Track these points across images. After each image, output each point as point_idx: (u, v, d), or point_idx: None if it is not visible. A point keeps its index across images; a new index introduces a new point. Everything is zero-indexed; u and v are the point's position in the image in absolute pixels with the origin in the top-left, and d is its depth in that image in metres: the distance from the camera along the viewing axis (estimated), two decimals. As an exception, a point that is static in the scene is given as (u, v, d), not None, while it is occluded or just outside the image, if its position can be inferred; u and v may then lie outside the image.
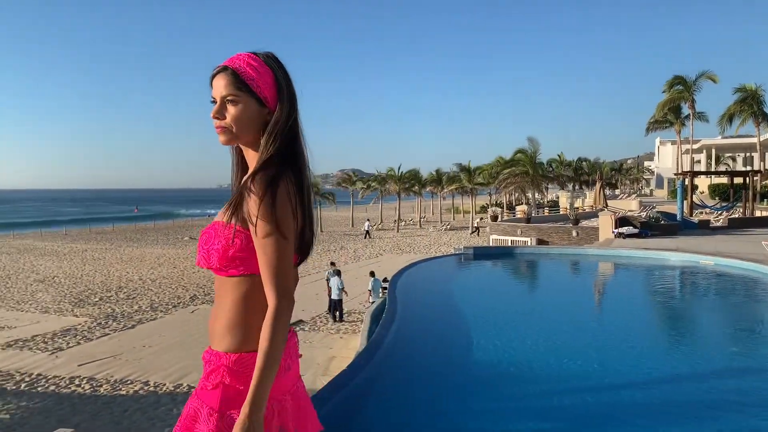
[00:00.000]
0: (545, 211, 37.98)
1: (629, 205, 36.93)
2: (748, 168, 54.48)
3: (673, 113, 51.44)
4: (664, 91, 50.73)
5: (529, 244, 22.37)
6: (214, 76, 1.68)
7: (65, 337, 12.65)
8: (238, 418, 1.45)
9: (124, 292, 18.63)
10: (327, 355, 10.81)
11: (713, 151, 57.45)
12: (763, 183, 39.70)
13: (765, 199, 37.86)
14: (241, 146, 1.76)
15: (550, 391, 5.87)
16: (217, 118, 1.65)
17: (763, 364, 7.11)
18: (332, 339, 12.02)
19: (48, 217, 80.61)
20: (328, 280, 14.39)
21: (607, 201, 27.32)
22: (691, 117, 49.85)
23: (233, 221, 1.59)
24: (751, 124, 41.00)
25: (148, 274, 22.95)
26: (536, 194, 45.48)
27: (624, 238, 19.58)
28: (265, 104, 1.66)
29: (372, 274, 14.33)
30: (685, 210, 26.83)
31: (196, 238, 40.44)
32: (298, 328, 12.97)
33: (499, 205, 51.68)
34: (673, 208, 30.63)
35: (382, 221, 48.53)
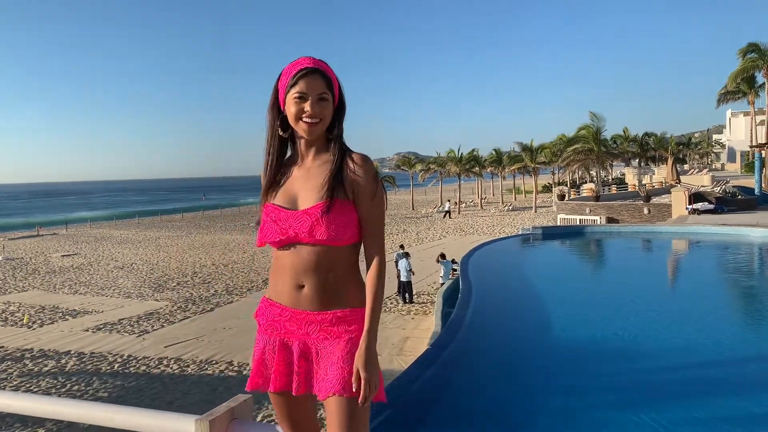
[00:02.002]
0: (612, 188, 37.00)
1: (701, 181, 35.58)
2: (830, 138, 51.48)
3: (746, 83, 48.99)
4: (738, 58, 48.36)
5: (598, 222, 21.89)
6: (303, 75, 1.89)
7: (149, 320, 13.25)
8: (359, 351, 1.81)
9: (199, 277, 19.31)
10: (400, 335, 10.96)
11: (791, 121, 54.41)
12: None
13: None
14: (296, 137, 2.00)
15: (631, 369, 5.80)
16: (315, 113, 1.89)
17: None
18: (404, 320, 12.16)
19: (120, 207, 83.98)
20: (396, 262, 14.51)
21: (680, 176, 26.38)
22: (766, 86, 47.40)
23: (349, 196, 1.90)
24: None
25: (221, 260, 23.69)
26: (601, 172, 44.30)
27: (699, 214, 18.91)
28: (335, 100, 1.95)
29: (443, 256, 14.37)
30: (764, 184, 25.63)
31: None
32: (369, 310, 13.17)
33: (563, 183, 50.63)
34: (749, 182, 29.31)
35: (442, 203, 48.38)
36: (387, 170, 59.16)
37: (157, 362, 10.01)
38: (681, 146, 67.33)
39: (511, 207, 43.66)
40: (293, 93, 1.90)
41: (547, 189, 56.42)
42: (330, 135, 2.00)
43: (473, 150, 46.98)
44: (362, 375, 1.79)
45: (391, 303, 13.84)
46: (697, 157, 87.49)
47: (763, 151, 25.30)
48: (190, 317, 13.41)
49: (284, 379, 1.92)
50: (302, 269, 1.91)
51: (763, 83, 47.74)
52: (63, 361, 10.37)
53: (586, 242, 15.87)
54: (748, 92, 49.59)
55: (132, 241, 33.34)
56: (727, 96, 52.65)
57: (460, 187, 46.75)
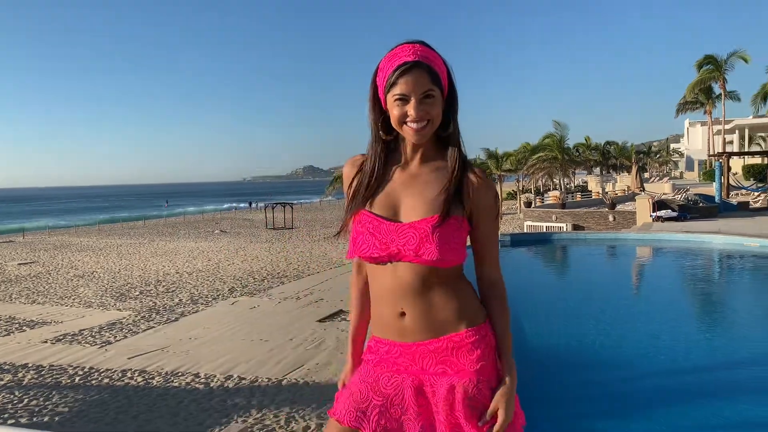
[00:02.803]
0: (577, 196, 37.54)
1: (662, 189, 36.32)
2: (783, 147, 53.23)
3: (703, 94, 50.56)
4: (695, 70, 49.72)
5: (564, 229, 22.13)
6: (403, 72, 1.65)
7: (111, 330, 12.85)
8: (503, 385, 1.69)
9: (163, 286, 18.89)
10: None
11: (746, 131, 56.16)
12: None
13: (803, 179, 36.96)
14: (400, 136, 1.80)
15: (597, 378, 5.80)
16: (420, 115, 1.67)
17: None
18: (375, 328, 12.01)
19: (80, 214, 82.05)
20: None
21: (644, 184, 26.90)
22: (722, 97, 48.89)
23: (465, 213, 1.73)
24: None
25: (185, 267, 23.23)
26: (564, 179, 44.98)
27: (662, 221, 19.27)
28: (443, 93, 1.71)
29: None
30: (722, 192, 26.28)
31: (226, 231, 40.86)
32: (339, 319, 13.02)
33: (528, 191, 51.26)
34: (706, 190, 30.09)
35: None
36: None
37: (120, 374, 9.68)
38: (641, 155, 68.95)
39: (477, 214, 43.99)
40: (393, 94, 1.67)
41: (512, 196, 56.98)
42: (443, 133, 1.76)
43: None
44: (503, 415, 1.65)
45: (361, 311, 13.70)
46: (656, 165, 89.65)
47: (721, 160, 25.95)
48: (154, 327, 13.07)
49: (393, 424, 1.74)
50: (401, 293, 1.71)
51: (720, 94, 49.26)
52: (20, 375, 9.95)
53: (554, 249, 16.01)
54: (706, 102, 51.15)
55: (93, 249, 32.51)
56: (685, 106, 54.26)
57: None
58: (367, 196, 1.75)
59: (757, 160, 43.82)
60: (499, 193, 45.71)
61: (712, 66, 48.08)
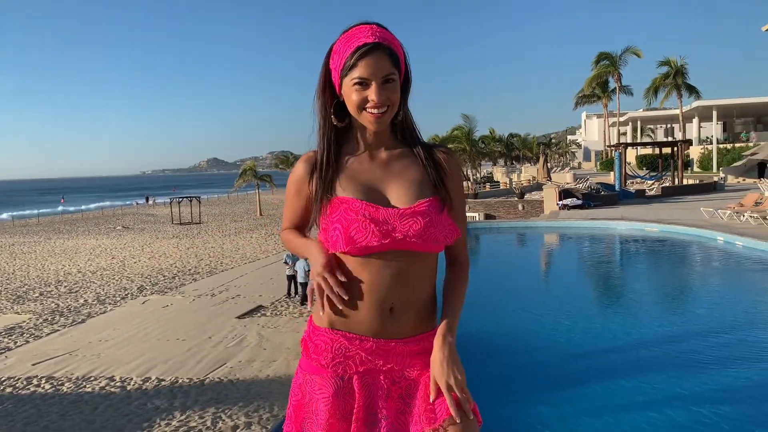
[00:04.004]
0: (486, 186, 38.60)
1: (564, 178, 37.97)
2: (670, 138, 57.08)
3: (600, 88, 53.32)
4: (593, 65, 52.33)
5: (477, 219, 22.67)
6: (363, 55, 1.52)
7: (11, 336, 11.92)
8: (445, 356, 1.55)
9: (65, 286, 17.77)
10: (295, 339, 10.62)
11: (638, 123, 59.75)
12: (685, 153, 41.67)
13: (688, 168, 39.76)
14: (355, 124, 1.68)
15: (524, 362, 5.95)
16: (382, 101, 1.55)
17: (733, 321, 7.46)
18: (297, 323, 11.82)
19: (-37, 211, 75.90)
20: (286, 263, 14.14)
21: (554, 174, 28.02)
22: (617, 91, 51.81)
23: (446, 193, 1.65)
24: (674, 96, 42.78)
25: (87, 266, 21.97)
26: (473, 171, 46.15)
27: (568, 209, 20.12)
28: (400, 77, 1.60)
29: None
30: (621, 180, 27.76)
31: (129, 227, 39.04)
32: (259, 314, 12.72)
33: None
34: (604, 179, 31.78)
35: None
36: (261, 169, 57.72)
37: (25, 382, 8.98)
38: (543, 146, 71.85)
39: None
40: (352, 78, 1.54)
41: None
42: (395, 119, 1.66)
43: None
44: (458, 376, 1.52)
45: (282, 306, 13.44)
46: (556, 156, 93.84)
47: (620, 151, 27.45)
48: (59, 330, 12.24)
49: (364, 429, 1.57)
50: (395, 286, 1.57)
51: (615, 88, 52.11)
52: None
53: (470, 238, 16.35)
54: (602, 96, 53.98)
55: (-20, 249, 30.12)
56: (583, 99, 57.01)
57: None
58: (332, 184, 1.63)
59: (649, 150, 46.64)
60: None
61: (608, 61, 50.75)
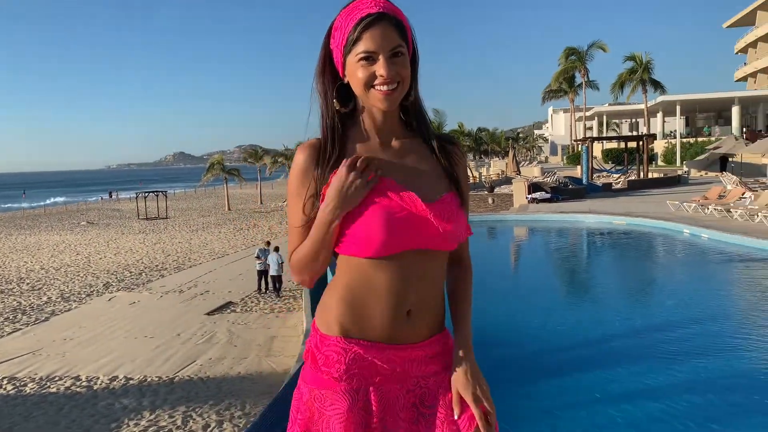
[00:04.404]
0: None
1: (532, 172, 38.33)
2: (634, 133, 58.07)
3: (567, 83, 53.91)
4: (560, 60, 52.89)
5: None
6: (368, 26, 1.38)
7: (-30, 335, 11.55)
8: (468, 367, 1.48)
9: (27, 284, 17.29)
10: (266, 335, 10.51)
11: (604, 117, 60.61)
12: (649, 147, 42.49)
13: (653, 162, 40.53)
14: (359, 109, 1.51)
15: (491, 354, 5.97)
16: (391, 75, 1.39)
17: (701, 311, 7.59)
18: (268, 319, 11.69)
19: None
20: (258, 257, 14.00)
21: (522, 168, 28.24)
22: (583, 86, 52.41)
23: (459, 187, 1.54)
24: (639, 90, 43.47)
25: (50, 263, 21.42)
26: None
27: (537, 203, 20.31)
28: (408, 52, 1.45)
29: (276, 249, 14.05)
30: (588, 174, 28.13)
31: (94, 223, 38.24)
32: (228, 311, 12.55)
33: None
34: (571, 173, 32.20)
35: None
36: (229, 163, 56.72)
37: (-15, 383, 8.71)
38: (510, 140, 72.48)
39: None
40: (357, 53, 1.39)
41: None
42: (405, 101, 1.49)
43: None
44: (484, 387, 1.47)
45: (252, 302, 13.29)
46: (524, 150, 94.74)
47: (587, 145, 27.80)
48: (21, 329, 11.90)
49: None
50: (414, 288, 1.44)
51: (581, 83, 52.75)
52: None
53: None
54: (569, 91, 54.56)
55: (-63, 246, 29.17)
56: (550, 94, 57.56)
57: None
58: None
59: (614, 144, 47.39)
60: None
61: (575, 57, 51.35)
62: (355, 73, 1.40)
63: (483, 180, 31.55)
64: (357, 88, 1.42)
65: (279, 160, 47.66)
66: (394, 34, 1.38)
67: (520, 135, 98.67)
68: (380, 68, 1.37)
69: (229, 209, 42.00)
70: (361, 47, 1.37)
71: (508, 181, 31.20)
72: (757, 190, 18.26)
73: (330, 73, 1.48)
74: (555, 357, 5.96)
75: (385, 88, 1.38)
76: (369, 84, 1.39)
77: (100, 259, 21.76)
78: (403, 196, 1.40)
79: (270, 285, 13.80)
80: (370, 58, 1.38)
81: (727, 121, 47.66)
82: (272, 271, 13.50)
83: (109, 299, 14.32)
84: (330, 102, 1.48)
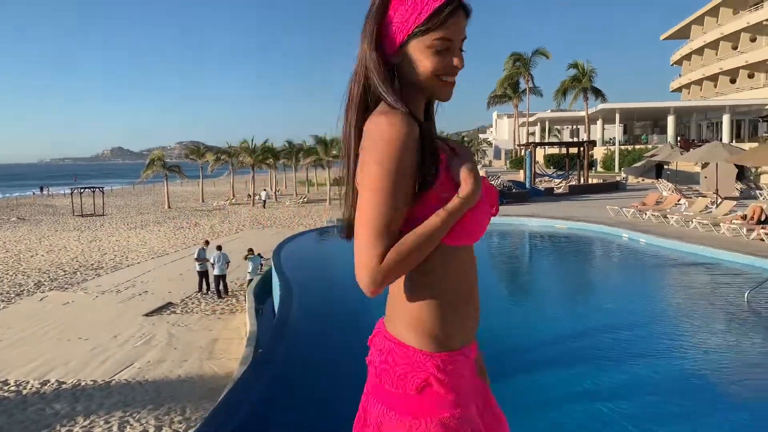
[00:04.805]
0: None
1: (477, 175, 38.82)
2: (575, 139, 59.68)
3: (511, 88, 54.92)
4: (505, 66, 53.88)
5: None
6: (452, 12, 1.28)
7: None
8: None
9: (-50, 282, 16.36)
10: (208, 337, 10.23)
11: (546, 123, 62.05)
12: (590, 153, 43.71)
13: (592, 168, 41.70)
14: (409, 95, 1.36)
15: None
16: (459, 68, 1.32)
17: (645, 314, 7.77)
18: (210, 321, 11.39)
19: None
20: (198, 258, 13.64)
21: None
22: (527, 92, 53.51)
23: None
24: (581, 98, 44.65)
25: (-24, 261, 20.33)
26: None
27: (483, 205, 20.55)
28: None
29: (251, 251, 13.76)
30: (532, 179, 28.66)
31: (25, 219, 36.59)
32: (168, 312, 12.18)
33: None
34: (514, 177, 32.78)
35: (234, 196, 46.97)
36: (170, 160, 55.36)
37: None
38: (456, 144, 73.25)
39: (306, 199, 43.85)
40: (434, 37, 1.27)
41: (339, 182, 57.46)
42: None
43: (266, 141, 46.34)
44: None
45: (193, 303, 12.92)
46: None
47: (531, 150, 28.35)
48: (-57, 330, 11.22)
49: None
50: (476, 279, 1.39)
51: (525, 89, 53.84)
52: None
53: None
54: (513, 96, 55.59)
55: None
56: (495, 99, 58.47)
57: (254, 179, 45.73)
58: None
59: (556, 150, 48.51)
60: (329, 178, 46.07)
61: (520, 63, 52.36)
62: (422, 59, 1.28)
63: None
64: (421, 74, 1.29)
65: (222, 157, 46.74)
66: (465, 25, 1.31)
67: (465, 138, 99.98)
68: (457, 59, 1.29)
69: (169, 207, 40.91)
70: (442, 33, 1.26)
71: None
72: (691, 197, 19.00)
73: (379, 49, 1.32)
74: (494, 359, 5.96)
75: (452, 79, 1.31)
76: (439, 73, 1.29)
77: (32, 257, 20.79)
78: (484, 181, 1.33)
79: (213, 285, 13.47)
80: (447, 46, 1.28)
81: (663, 130, 49.49)
82: (216, 271, 13.17)
83: (41, 299, 13.68)
84: (389, 77, 1.32)
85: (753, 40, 44.72)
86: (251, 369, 5.00)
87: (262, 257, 13.81)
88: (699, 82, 53.04)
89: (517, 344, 6.54)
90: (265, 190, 43.49)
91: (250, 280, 12.93)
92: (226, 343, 9.82)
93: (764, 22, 41.74)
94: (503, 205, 20.71)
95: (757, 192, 23.20)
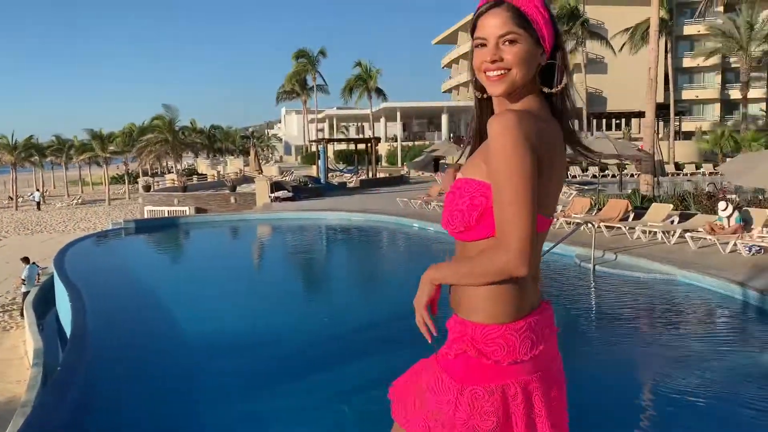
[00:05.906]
0: (194, 179, 37.32)
1: (270, 171, 38.67)
2: (361, 135, 62.16)
3: (299, 85, 55.48)
4: (293, 62, 54.29)
5: (187, 213, 21.79)
6: (482, 13, 1.45)
7: None
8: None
9: None
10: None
11: (334, 120, 63.69)
12: (375, 148, 45.91)
13: (378, 163, 43.84)
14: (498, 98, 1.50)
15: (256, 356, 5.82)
16: (496, 62, 1.41)
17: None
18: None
19: None
20: (24, 281, 11.88)
21: (262, 167, 28.23)
22: (314, 89, 54.52)
23: None
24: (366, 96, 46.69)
25: None
26: (177, 163, 44.26)
27: (280, 201, 20.55)
28: (541, 44, 1.45)
29: (26, 260, 12.25)
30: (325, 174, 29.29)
31: None
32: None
33: (136, 174, 48.80)
34: (306, 172, 33.32)
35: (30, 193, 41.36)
36: None
37: None
38: (252, 139, 72.25)
39: (80, 200, 40.07)
40: (473, 40, 1.48)
41: (117, 180, 53.46)
42: (548, 89, 1.49)
43: (30, 137, 41.48)
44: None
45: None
46: (259, 149, 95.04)
47: (324, 146, 28.96)
48: None
49: None
50: None
51: (313, 86, 54.81)
52: None
53: (182, 233, 15.70)
54: (302, 93, 56.21)
55: None
56: (284, 95, 58.61)
57: (15, 178, 40.63)
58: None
59: (344, 146, 50.08)
60: (106, 176, 42.52)
61: (306, 60, 53.12)
62: (474, 60, 1.48)
63: (224, 179, 30.90)
64: (475, 72, 1.50)
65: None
66: (506, 20, 1.41)
67: (255, 134, 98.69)
68: (486, 54, 1.43)
69: None
70: (476, 33, 1.46)
71: (246, 180, 31.01)
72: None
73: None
74: (298, 353, 6.02)
75: (489, 74, 1.44)
76: (480, 69, 1.46)
77: None
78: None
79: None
80: (483, 44, 1.45)
81: (438, 128, 53.59)
82: (29, 286, 11.54)
83: None
84: (474, 88, 1.59)
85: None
86: (51, 390, 4.55)
87: (38, 266, 12.43)
88: (466, 84, 58.40)
89: (330, 334, 6.67)
90: (38, 189, 39.07)
91: (26, 293, 11.55)
92: (3, 365, 8.71)
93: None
94: (300, 201, 20.93)
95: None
